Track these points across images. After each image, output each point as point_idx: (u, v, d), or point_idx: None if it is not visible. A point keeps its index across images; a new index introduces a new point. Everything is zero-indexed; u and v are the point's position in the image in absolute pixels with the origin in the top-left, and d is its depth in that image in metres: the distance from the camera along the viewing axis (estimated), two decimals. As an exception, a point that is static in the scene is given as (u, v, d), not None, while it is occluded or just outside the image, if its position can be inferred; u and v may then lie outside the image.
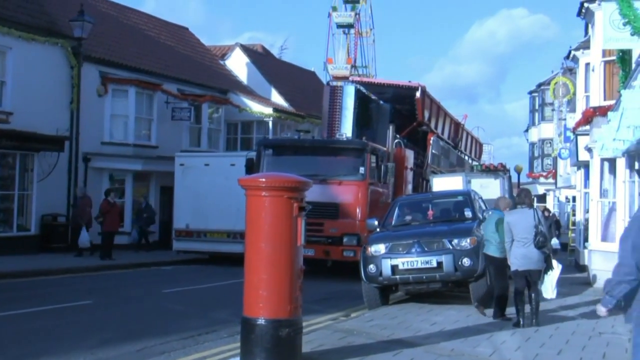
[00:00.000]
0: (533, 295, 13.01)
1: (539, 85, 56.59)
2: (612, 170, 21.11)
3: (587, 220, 23.58)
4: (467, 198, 17.66)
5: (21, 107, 26.43)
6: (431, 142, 29.53)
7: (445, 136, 33.18)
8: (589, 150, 23.04)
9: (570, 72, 37.76)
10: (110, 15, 36.01)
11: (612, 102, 21.24)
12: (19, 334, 12.02)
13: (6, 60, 27.07)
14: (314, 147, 23.48)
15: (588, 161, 24.18)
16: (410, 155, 26.96)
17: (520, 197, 13.58)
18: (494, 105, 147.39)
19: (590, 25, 24.73)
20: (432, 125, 30.03)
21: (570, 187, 38.94)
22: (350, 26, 53.30)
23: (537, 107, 57.99)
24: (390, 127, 25.31)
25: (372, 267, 15.15)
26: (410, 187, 26.70)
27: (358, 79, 28.90)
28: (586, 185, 26.59)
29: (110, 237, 26.25)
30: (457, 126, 36.28)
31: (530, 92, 60.29)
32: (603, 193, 22.00)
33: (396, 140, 26.17)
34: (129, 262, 25.36)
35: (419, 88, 27.63)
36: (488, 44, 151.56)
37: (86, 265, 23.71)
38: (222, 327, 12.84)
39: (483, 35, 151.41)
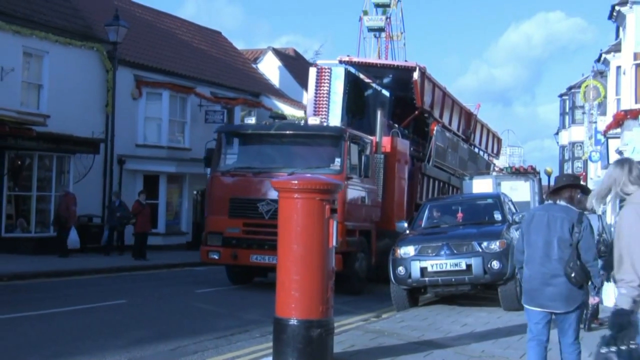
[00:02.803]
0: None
1: (570, 88, 56.23)
2: (643, 173, 20.89)
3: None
4: (496, 201, 17.52)
5: (57, 110, 26.71)
6: (434, 132, 25.34)
7: (454, 127, 28.96)
8: (620, 153, 22.87)
9: (601, 75, 37.50)
10: (144, 19, 36.27)
11: (644, 105, 21.11)
12: (55, 333, 12.14)
13: (43, 64, 27.42)
14: (282, 135, 19.41)
15: (619, 164, 23.95)
16: (404, 146, 22.49)
17: None
18: (527, 107, 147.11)
19: (621, 29, 24.59)
20: (436, 113, 25.90)
21: (600, 190, 38.54)
22: (381, 30, 53.40)
23: (567, 110, 57.64)
24: (379, 112, 20.57)
25: (401, 269, 15.06)
26: (404, 183, 22.33)
27: (347, 58, 24.11)
28: (617, 188, 26.33)
29: (143, 238, 26.38)
30: (468, 116, 31.62)
31: (561, 95, 59.92)
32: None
33: (393, 130, 22.70)
34: (162, 262, 25.51)
35: (417, 68, 23.32)
36: (524, 47, 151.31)
37: (120, 265, 23.90)
38: (254, 327, 12.89)
39: (519, 38, 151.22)
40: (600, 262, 9.43)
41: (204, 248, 19.15)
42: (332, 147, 18.79)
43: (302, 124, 20.94)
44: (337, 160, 18.38)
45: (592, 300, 8.55)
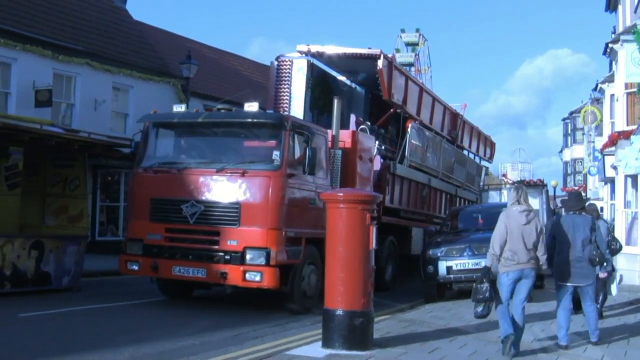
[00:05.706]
0: (601, 292, 12.38)
1: (571, 113, 55.77)
2: (635, 185, 20.75)
3: (613, 227, 23.14)
4: (510, 209, 17.45)
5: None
6: (408, 129, 19.37)
7: (436, 127, 22.47)
8: (615, 168, 22.63)
9: (598, 101, 37.07)
10: (211, 58, 36.57)
11: (634, 127, 20.92)
12: (137, 321, 12.22)
13: (128, 96, 27.85)
14: (213, 124, 14.13)
15: (614, 177, 23.77)
16: (368, 142, 16.59)
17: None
18: (538, 130, 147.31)
19: (614, 62, 24.33)
20: (412, 110, 19.93)
21: (598, 199, 38.25)
22: (410, 65, 53.48)
23: (569, 131, 57.16)
24: (335, 101, 14.85)
25: (430, 268, 15.24)
26: (368, 184, 16.41)
27: (306, 48, 18.52)
28: (612, 197, 26.10)
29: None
30: (454, 117, 24.99)
31: (564, 119, 59.45)
32: (627, 204, 21.60)
33: (361, 127, 17.19)
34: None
35: (381, 56, 17.47)
36: (536, 79, 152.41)
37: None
38: (305, 317, 12.84)
39: (532, 71, 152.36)
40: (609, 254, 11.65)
41: (122, 257, 13.91)
42: (271, 138, 13.46)
43: (233, 112, 14.42)
44: (276, 154, 13.03)
45: (602, 274, 11.44)
